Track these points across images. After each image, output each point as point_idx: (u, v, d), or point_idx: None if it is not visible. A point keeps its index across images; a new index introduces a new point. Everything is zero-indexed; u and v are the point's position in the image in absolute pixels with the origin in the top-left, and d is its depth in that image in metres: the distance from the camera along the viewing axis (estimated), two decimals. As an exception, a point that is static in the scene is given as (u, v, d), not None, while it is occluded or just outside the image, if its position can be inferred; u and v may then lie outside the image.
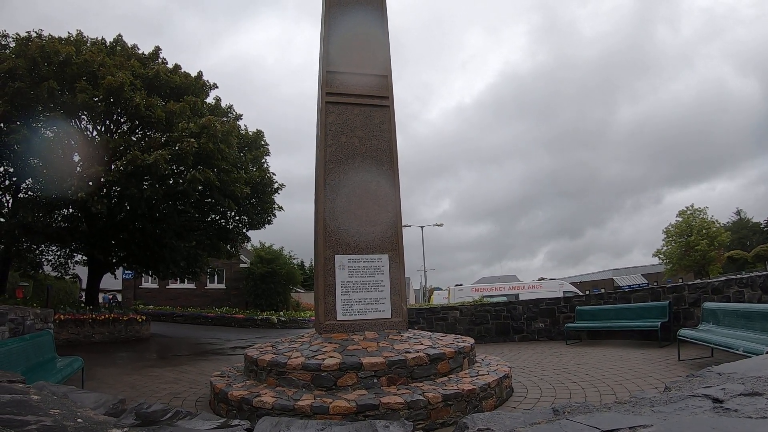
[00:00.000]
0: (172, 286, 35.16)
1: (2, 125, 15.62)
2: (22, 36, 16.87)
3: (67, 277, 23.89)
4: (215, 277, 35.70)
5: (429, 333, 8.27)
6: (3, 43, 16.98)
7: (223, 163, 16.94)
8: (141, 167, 15.08)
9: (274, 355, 6.68)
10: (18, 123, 15.53)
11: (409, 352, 6.43)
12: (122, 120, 17.73)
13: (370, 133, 8.15)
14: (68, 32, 17.82)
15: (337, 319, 7.41)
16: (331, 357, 6.21)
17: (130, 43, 19.60)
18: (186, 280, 29.77)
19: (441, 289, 35.58)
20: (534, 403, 6.53)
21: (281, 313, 30.35)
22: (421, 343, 6.93)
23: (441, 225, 43.38)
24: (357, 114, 8.18)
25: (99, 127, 17.87)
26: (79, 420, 1.71)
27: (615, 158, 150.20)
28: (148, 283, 35.87)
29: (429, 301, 31.29)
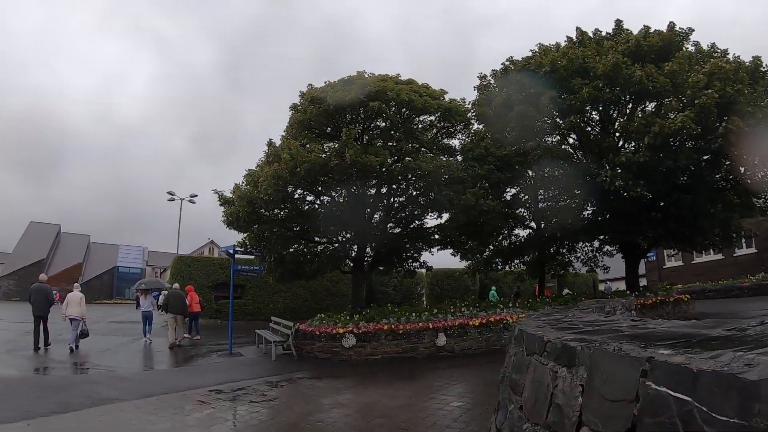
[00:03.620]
0: (696, 260, 32.31)
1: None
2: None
3: (590, 271, 24.00)
4: (742, 241, 30.94)
5: None
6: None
7: (745, 106, 14.34)
8: (668, 135, 13.89)
9: None
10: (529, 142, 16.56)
11: None
12: (623, 100, 16.84)
13: None
14: (565, 36, 18.46)
15: None
16: None
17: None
18: (712, 251, 26.56)
19: None
20: None
21: None
22: None
23: None
24: None
25: (600, 115, 17.62)
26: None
27: None
28: (672, 261, 34.29)
29: None
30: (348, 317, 13.69)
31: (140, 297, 18.58)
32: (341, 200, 16.88)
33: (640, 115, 15.71)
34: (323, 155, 14.63)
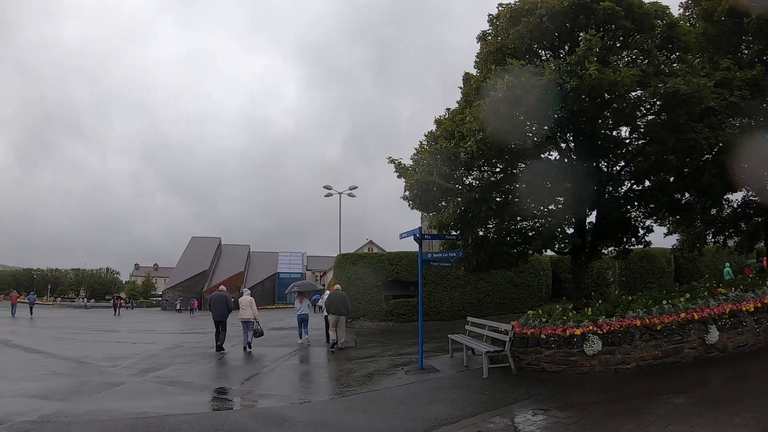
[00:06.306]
0: None
1: None
2: None
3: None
4: None
5: None
6: None
7: None
8: None
9: None
10: None
11: None
12: None
13: None
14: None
15: None
16: None
17: None
18: None
19: None
20: None
21: None
22: None
23: None
24: None
25: None
26: None
27: None
28: None
29: None
30: (575, 312, 9.79)
31: (297, 300, 17.89)
32: (565, 153, 12.46)
33: None
34: (557, 75, 9.64)
